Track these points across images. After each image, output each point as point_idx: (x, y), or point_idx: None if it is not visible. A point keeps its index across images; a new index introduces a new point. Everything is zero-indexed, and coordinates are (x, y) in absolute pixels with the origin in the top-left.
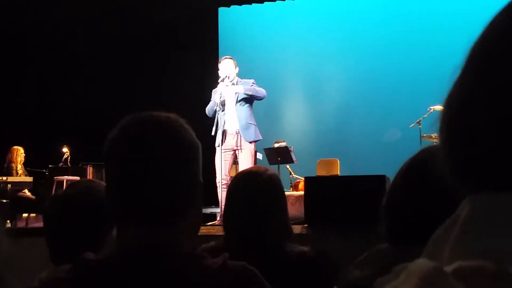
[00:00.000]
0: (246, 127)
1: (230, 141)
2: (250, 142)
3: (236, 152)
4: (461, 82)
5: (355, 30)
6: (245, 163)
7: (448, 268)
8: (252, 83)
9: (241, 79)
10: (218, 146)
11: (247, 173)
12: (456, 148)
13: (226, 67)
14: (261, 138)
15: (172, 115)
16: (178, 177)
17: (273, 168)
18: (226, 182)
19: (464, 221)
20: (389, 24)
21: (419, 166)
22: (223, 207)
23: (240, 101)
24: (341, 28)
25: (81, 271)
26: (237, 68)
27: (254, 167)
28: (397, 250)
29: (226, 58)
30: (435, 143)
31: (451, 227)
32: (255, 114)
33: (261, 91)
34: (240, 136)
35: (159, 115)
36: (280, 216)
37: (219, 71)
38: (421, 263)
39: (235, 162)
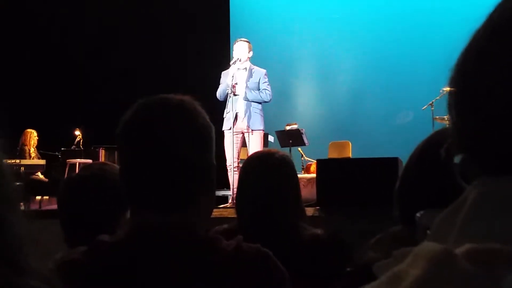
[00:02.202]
0: (253, 116)
1: (240, 124)
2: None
3: (245, 135)
4: (470, 57)
5: (367, 11)
6: (255, 145)
7: (457, 251)
8: (265, 75)
9: (254, 65)
10: (230, 129)
11: (259, 155)
12: (467, 124)
13: (239, 49)
14: (264, 128)
15: (186, 98)
16: (191, 159)
17: (285, 151)
18: (236, 165)
19: (473, 204)
20: (402, 5)
21: (433, 148)
22: (235, 189)
23: (251, 88)
24: (353, 9)
25: (96, 253)
26: (251, 52)
27: (266, 149)
28: (411, 232)
29: (241, 40)
30: (448, 125)
31: (457, 211)
32: None
33: (266, 97)
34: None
35: (173, 98)
36: (293, 197)
37: (233, 52)
38: (429, 246)
39: (244, 144)
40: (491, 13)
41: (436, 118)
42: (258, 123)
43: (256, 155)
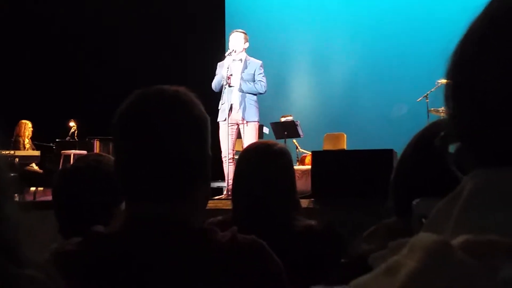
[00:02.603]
0: (248, 107)
1: (235, 115)
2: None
3: (240, 126)
4: (467, 48)
5: (362, 3)
6: (250, 137)
7: (454, 242)
8: (261, 66)
9: (250, 57)
10: (225, 120)
11: (257, 146)
12: (464, 116)
13: (234, 40)
14: (259, 120)
15: (181, 89)
16: (186, 151)
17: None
18: (231, 156)
19: (469, 195)
20: None
21: (428, 139)
22: (230, 181)
23: (246, 79)
24: (348, 2)
25: (91, 243)
26: (247, 43)
27: (263, 140)
28: (405, 223)
29: (237, 31)
30: (442, 117)
31: (454, 202)
32: None
33: (261, 89)
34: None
35: (168, 89)
36: (289, 189)
37: (229, 43)
38: (425, 237)
39: (239, 136)
40: (488, 3)
41: (431, 110)
42: (253, 114)
43: (254, 146)
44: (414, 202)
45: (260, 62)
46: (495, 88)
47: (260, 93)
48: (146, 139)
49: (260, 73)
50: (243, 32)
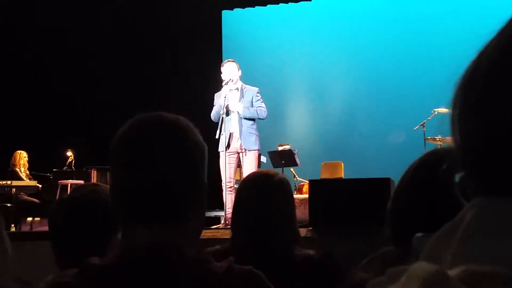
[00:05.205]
0: (247, 136)
1: (235, 144)
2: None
3: (240, 155)
4: (477, 77)
5: (358, 32)
6: (249, 166)
7: (451, 272)
8: (257, 92)
9: (246, 84)
10: (223, 150)
11: (257, 176)
12: (470, 144)
13: (229, 70)
14: (259, 148)
15: (181, 117)
16: (184, 178)
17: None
18: (231, 185)
19: (469, 225)
20: (392, 26)
21: (425, 169)
22: (229, 210)
23: (245, 106)
24: (344, 30)
25: (86, 275)
26: (240, 71)
27: (263, 170)
28: (403, 252)
29: (228, 61)
30: (439, 146)
31: (453, 231)
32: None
33: (262, 114)
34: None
35: (168, 116)
36: (289, 220)
37: (221, 75)
38: (422, 266)
39: (239, 165)
40: (499, 32)
41: (427, 138)
42: (252, 143)
43: (254, 176)
44: (415, 237)
45: (257, 89)
46: (505, 116)
47: (261, 119)
48: (142, 163)
49: (258, 99)
50: (234, 61)
